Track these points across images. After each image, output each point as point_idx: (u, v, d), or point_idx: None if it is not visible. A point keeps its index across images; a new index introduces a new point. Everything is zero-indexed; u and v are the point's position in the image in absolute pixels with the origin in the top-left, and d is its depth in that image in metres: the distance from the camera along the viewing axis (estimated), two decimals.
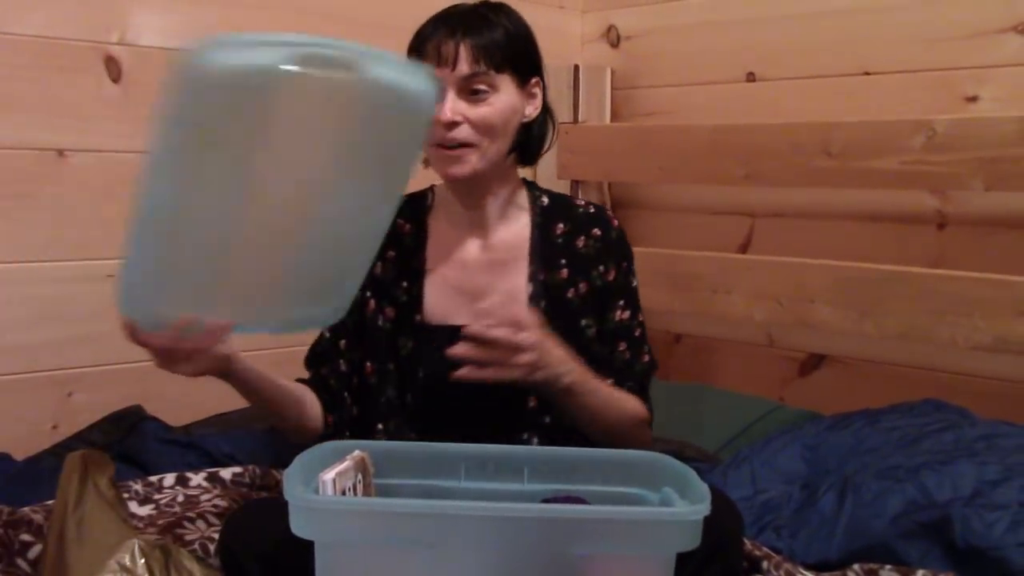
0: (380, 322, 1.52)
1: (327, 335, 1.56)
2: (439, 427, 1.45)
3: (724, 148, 2.32)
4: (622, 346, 1.55)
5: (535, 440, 1.50)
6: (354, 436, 1.49)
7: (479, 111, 1.42)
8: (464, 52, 1.40)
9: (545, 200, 1.58)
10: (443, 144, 1.43)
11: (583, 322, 1.52)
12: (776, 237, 2.44)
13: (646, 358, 1.58)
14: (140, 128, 2.02)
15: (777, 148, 2.22)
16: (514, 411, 1.49)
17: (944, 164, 1.98)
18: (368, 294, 1.53)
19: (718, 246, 2.49)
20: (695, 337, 2.62)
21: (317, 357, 1.57)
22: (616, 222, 1.59)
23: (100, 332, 2.05)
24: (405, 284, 1.52)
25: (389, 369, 1.51)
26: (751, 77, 2.46)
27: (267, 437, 2.05)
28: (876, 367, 2.28)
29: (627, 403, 1.52)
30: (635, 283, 1.59)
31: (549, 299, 1.51)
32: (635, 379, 1.56)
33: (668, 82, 2.63)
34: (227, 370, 1.37)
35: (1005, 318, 1.89)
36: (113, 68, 2.03)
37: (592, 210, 1.58)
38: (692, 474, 1.22)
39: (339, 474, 1.18)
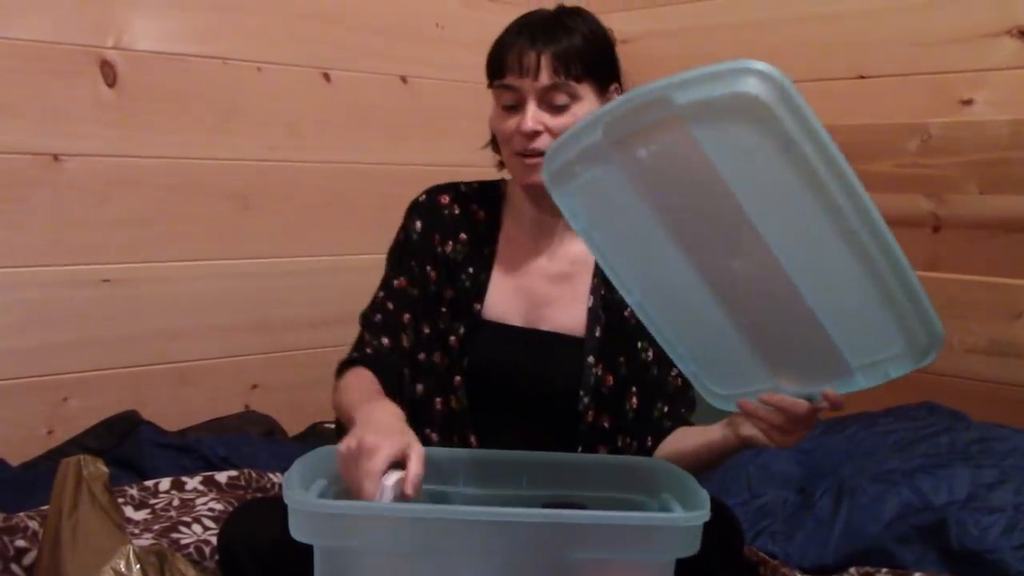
0: (438, 301, 1.49)
1: (390, 306, 1.50)
2: (486, 420, 1.44)
3: None
4: (675, 371, 1.49)
5: (582, 451, 1.45)
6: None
7: (560, 120, 1.39)
8: (545, 62, 1.38)
9: None
10: (523, 153, 1.41)
11: (639, 344, 1.48)
12: None
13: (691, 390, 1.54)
14: (135, 132, 2.07)
15: None
16: (567, 419, 1.45)
17: (939, 167, 1.98)
18: (436, 272, 1.50)
19: None
20: None
21: (378, 326, 1.50)
22: None
23: (95, 337, 2.05)
24: (471, 270, 1.49)
25: (442, 349, 1.48)
26: None
27: (262, 440, 2.05)
28: None
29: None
30: None
31: (608, 315, 1.48)
32: (688, 407, 1.52)
33: None
34: None
35: (1000, 321, 1.90)
36: (108, 72, 2.02)
37: None
38: (691, 480, 1.22)
39: (398, 480, 1.14)
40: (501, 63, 1.40)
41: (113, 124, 2.04)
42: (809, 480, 1.80)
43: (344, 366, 1.46)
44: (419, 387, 1.47)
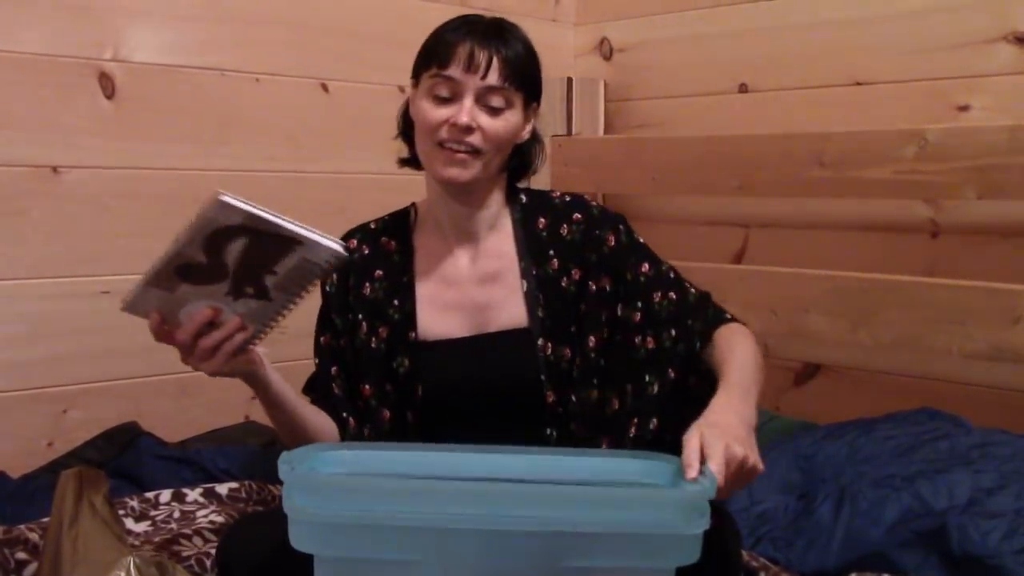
0: (374, 343, 1.51)
1: (317, 361, 1.57)
2: (445, 442, 1.44)
3: (717, 159, 2.32)
4: (657, 295, 1.50)
5: (554, 434, 1.47)
6: None
7: (494, 123, 1.42)
8: (497, 63, 1.41)
9: (523, 198, 1.57)
10: (451, 146, 1.42)
11: (582, 307, 1.49)
12: (770, 247, 2.45)
13: (694, 290, 1.54)
14: (134, 144, 2.07)
15: (770, 159, 2.23)
16: (533, 408, 1.47)
17: (936, 173, 1.98)
18: (360, 316, 1.52)
19: (712, 257, 2.49)
20: None
21: (312, 382, 1.59)
22: (595, 203, 1.57)
23: (95, 348, 2.05)
24: (396, 302, 1.51)
25: (387, 390, 1.50)
26: (744, 88, 2.46)
27: (263, 452, 2.04)
28: (871, 376, 2.28)
29: (745, 356, 1.42)
30: (643, 240, 1.55)
31: (545, 292, 1.49)
32: (697, 314, 1.50)
33: (661, 94, 2.64)
34: (253, 375, 1.40)
35: (999, 326, 1.89)
36: (107, 84, 2.03)
37: (568, 199, 1.57)
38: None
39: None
40: (447, 55, 1.41)
41: (112, 136, 2.04)
42: (810, 486, 1.79)
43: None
44: (365, 431, 1.51)
